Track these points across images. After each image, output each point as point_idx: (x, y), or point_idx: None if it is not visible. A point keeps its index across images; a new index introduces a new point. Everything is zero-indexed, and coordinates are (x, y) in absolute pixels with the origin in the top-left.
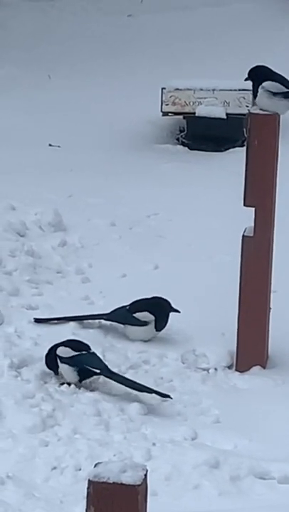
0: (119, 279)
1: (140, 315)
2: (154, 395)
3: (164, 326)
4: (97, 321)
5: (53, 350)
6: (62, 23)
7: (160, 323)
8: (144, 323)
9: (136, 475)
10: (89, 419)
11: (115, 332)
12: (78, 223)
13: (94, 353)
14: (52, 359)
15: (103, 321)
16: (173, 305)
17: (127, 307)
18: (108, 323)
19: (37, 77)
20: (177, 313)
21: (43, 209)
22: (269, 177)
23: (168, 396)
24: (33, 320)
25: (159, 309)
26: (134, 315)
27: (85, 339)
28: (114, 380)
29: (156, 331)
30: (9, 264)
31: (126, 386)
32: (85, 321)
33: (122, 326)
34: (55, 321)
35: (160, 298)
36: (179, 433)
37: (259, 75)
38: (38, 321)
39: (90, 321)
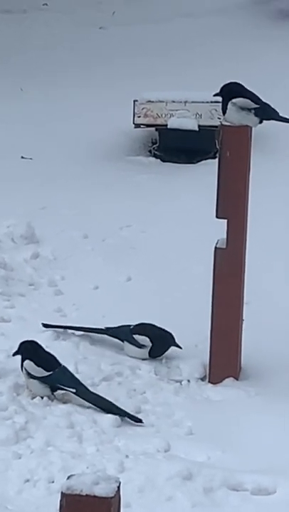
0: (92, 291)
1: (140, 338)
2: (126, 418)
3: (158, 355)
4: (79, 332)
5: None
6: (34, 35)
7: (155, 352)
8: (141, 346)
9: (109, 487)
10: (62, 431)
11: (88, 344)
12: (51, 235)
13: (65, 369)
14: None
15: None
16: (176, 340)
17: (132, 327)
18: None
19: (9, 88)
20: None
21: (16, 221)
22: (241, 189)
23: (140, 420)
24: (41, 324)
25: (160, 340)
26: (134, 336)
27: (58, 351)
28: (87, 401)
29: (150, 356)
30: None
31: (97, 407)
32: (63, 333)
33: (121, 342)
34: (62, 329)
35: (166, 331)
36: (152, 445)
37: (230, 91)
38: (46, 326)
39: (90, 333)
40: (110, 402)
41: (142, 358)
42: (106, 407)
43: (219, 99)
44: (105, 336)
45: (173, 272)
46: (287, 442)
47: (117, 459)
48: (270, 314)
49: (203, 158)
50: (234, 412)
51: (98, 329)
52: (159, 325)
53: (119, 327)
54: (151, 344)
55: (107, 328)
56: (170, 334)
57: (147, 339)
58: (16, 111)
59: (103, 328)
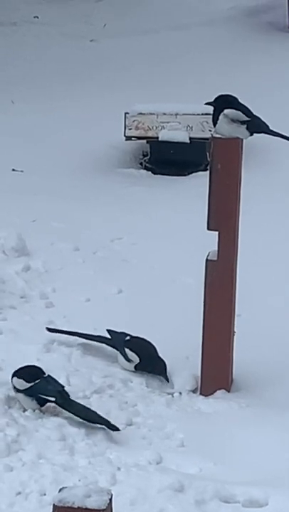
0: (83, 304)
1: (129, 352)
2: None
3: (143, 370)
4: (80, 340)
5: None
6: (25, 48)
7: (140, 367)
8: (129, 360)
9: (101, 499)
10: (54, 443)
11: (79, 356)
12: (42, 248)
13: (48, 378)
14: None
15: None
16: (167, 372)
17: (128, 338)
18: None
19: (0, 101)
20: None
21: (7, 233)
22: (232, 201)
23: (116, 429)
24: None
25: (149, 362)
26: (125, 349)
27: (49, 363)
28: (66, 410)
29: (135, 369)
30: None
31: (77, 416)
32: (54, 346)
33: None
34: (66, 334)
35: (160, 358)
36: (144, 457)
37: (223, 102)
38: (50, 330)
39: (83, 344)
40: (91, 410)
41: (130, 370)
42: (86, 416)
43: (210, 111)
44: (99, 346)
45: (164, 284)
46: (278, 454)
47: (109, 472)
48: (262, 326)
49: (194, 171)
50: (226, 424)
51: (100, 337)
52: (150, 338)
53: (119, 334)
54: (138, 361)
55: (109, 332)
56: (163, 363)
57: (135, 355)
58: (7, 123)
59: (105, 336)
